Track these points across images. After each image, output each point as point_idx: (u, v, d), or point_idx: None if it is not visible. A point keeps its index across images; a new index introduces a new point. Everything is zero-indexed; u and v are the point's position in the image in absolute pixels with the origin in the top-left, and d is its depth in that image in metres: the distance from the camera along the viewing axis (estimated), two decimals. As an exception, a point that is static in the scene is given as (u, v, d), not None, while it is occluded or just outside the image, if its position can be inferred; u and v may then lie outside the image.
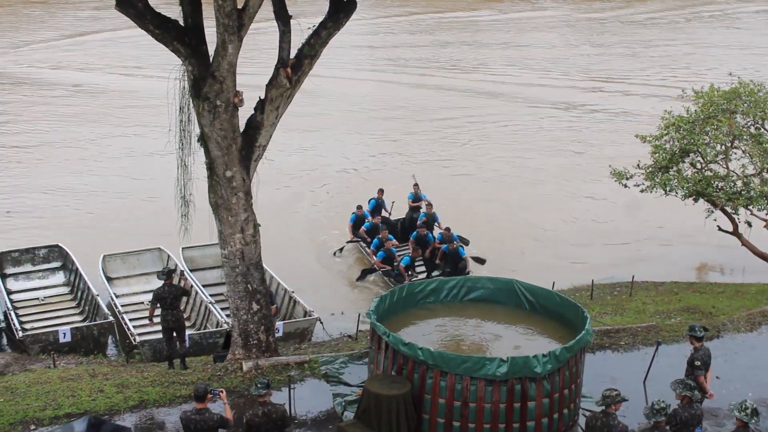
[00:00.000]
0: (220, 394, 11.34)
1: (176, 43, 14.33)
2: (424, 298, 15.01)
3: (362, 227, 23.78)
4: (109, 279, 21.09)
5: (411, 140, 35.21)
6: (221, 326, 18.18)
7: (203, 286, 20.40)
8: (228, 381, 14.49)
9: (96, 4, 60.32)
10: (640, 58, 50.75)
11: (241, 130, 15.00)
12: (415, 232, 22.67)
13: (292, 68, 14.81)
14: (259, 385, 11.00)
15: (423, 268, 22.43)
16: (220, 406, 11.45)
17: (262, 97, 14.97)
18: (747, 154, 21.33)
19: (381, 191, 24.98)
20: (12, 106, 39.97)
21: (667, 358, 15.05)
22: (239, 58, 14.47)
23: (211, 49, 14.51)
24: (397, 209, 25.53)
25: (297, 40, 14.99)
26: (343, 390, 14.39)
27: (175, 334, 15.77)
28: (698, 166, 21.56)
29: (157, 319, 15.94)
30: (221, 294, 19.67)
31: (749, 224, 21.14)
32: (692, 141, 20.99)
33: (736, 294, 20.37)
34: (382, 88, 43.78)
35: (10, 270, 21.67)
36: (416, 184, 25.13)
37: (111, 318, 18.69)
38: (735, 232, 21.83)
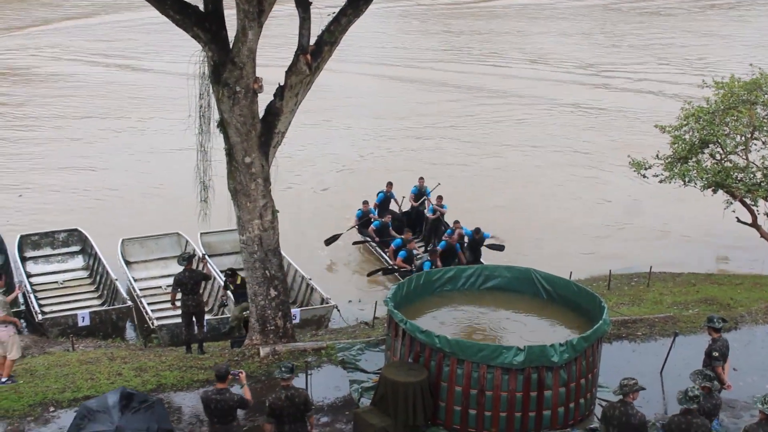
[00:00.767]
0: (240, 375, 11.43)
1: (196, 29, 14.35)
2: (441, 286, 15.02)
3: (371, 226, 23.05)
4: (127, 263, 21.23)
5: (424, 131, 35.09)
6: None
7: (221, 271, 20.47)
8: (245, 366, 14.54)
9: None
10: (655, 49, 50.40)
11: (261, 116, 15.03)
12: (443, 242, 21.38)
13: (312, 55, 14.80)
14: (283, 369, 11.08)
15: None
16: (237, 391, 11.50)
17: (282, 83, 14.98)
18: (767, 146, 21.20)
19: (390, 184, 24.24)
20: (29, 94, 40.19)
21: (685, 349, 15.01)
22: (258, 44, 14.49)
23: (231, 34, 14.54)
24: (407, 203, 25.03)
25: (317, 27, 14.99)
26: (359, 376, 14.44)
27: (194, 319, 15.89)
28: (718, 156, 21.44)
29: (177, 303, 16.05)
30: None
31: (769, 215, 21.05)
32: (712, 132, 20.87)
33: (755, 286, 20.27)
34: (391, 81, 43.63)
35: (29, 253, 21.83)
36: (421, 178, 24.43)
37: (129, 302, 18.82)
38: (754, 224, 21.72)
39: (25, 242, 21.91)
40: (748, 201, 21.04)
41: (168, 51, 45.60)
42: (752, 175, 20.77)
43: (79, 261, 22.00)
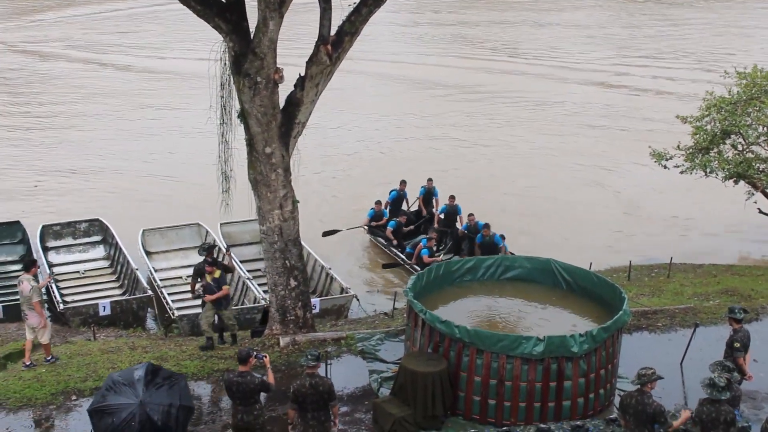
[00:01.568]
0: (264, 359, 11.52)
1: (217, 19, 14.40)
2: (461, 277, 15.03)
3: (388, 227, 22.51)
4: (148, 253, 21.32)
5: (441, 120, 35.08)
6: (258, 302, 18.32)
7: (241, 261, 20.54)
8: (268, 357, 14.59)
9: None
10: (674, 39, 50.10)
11: (281, 107, 15.06)
12: (480, 235, 20.89)
13: (333, 45, 14.80)
14: (309, 357, 11.17)
15: None
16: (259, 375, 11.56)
17: (302, 74, 15.00)
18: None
19: (404, 183, 23.78)
20: (52, 84, 40.46)
21: (705, 340, 14.98)
22: (279, 34, 14.51)
23: (252, 25, 14.57)
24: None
25: (338, 17, 14.99)
26: (379, 366, 14.48)
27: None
28: (739, 147, 21.30)
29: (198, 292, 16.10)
30: (258, 270, 19.86)
31: (790, 206, 20.92)
32: (734, 122, 20.72)
33: (776, 277, 20.16)
34: (408, 68, 43.61)
35: (51, 243, 21.98)
36: (430, 179, 23.88)
37: (150, 292, 18.91)
38: (776, 215, 21.60)
39: (47, 232, 22.06)
40: (769, 192, 20.91)
41: (188, 41, 45.76)
42: (774, 166, 20.63)
43: (100, 251, 22.14)
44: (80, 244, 22.23)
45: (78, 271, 21.34)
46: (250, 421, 11.22)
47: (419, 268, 19.06)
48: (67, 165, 29.62)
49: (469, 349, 12.41)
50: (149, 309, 19.07)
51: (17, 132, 33.38)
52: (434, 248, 21.14)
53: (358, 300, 19.13)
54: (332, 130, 32.70)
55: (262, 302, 18.06)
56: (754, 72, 21.50)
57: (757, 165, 20.66)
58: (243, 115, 14.98)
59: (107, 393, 11.50)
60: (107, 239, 22.15)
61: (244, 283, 19.54)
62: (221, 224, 21.67)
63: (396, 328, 15.92)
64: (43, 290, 18.91)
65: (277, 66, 14.65)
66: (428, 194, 23.81)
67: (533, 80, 41.72)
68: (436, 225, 22.86)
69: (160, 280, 20.07)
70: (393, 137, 32.94)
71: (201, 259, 16.13)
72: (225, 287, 15.38)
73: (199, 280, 15.58)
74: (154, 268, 20.64)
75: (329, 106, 29.22)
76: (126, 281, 20.42)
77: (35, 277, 14.77)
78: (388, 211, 23.44)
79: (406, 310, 14.05)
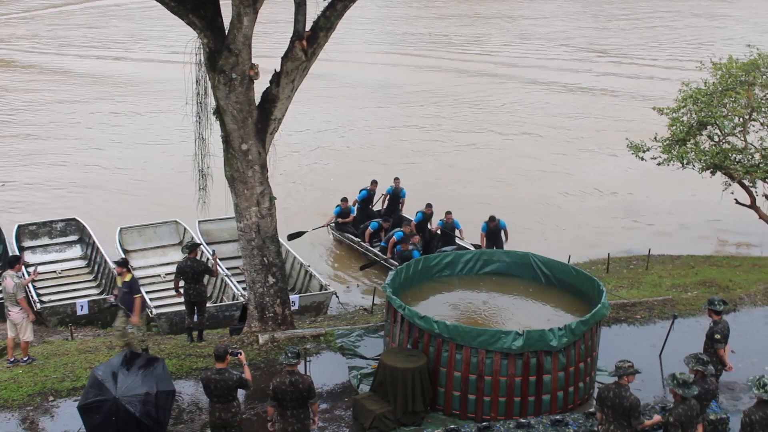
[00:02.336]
0: (239, 356, 11.46)
1: (191, 16, 14.28)
2: (439, 272, 15.03)
3: (369, 229, 22.10)
4: (125, 251, 21.17)
5: (415, 120, 35.06)
6: (237, 299, 18.24)
7: (219, 259, 20.40)
8: (244, 353, 14.51)
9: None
10: (648, 31, 50.27)
11: (257, 103, 14.98)
12: (484, 224, 20.59)
13: (308, 41, 14.74)
14: (290, 354, 11.10)
15: None
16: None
17: (278, 70, 14.92)
18: (765, 127, 21.15)
19: (374, 183, 23.61)
20: (16, 82, 40.13)
21: (684, 331, 15.04)
22: (254, 30, 14.42)
23: (227, 21, 14.47)
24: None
25: (312, 12, 14.92)
26: (358, 363, 14.43)
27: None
28: (716, 138, 21.38)
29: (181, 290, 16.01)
30: (237, 267, 19.77)
31: (767, 197, 20.98)
32: (710, 113, 20.81)
33: (753, 267, 20.27)
34: (381, 68, 43.56)
35: (27, 243, 21.81)
36: (397, 178, 23.37)
37: (127, 291, 18.75)
38: (753, 206, 21.69)
39: (23, 231, 21.89)
40: (746, 182, 21.00)
41: (160, 38, 45.52)
42: (750, 157, 20.72)
43: (77, 250, 21.99)
44: (57, 244, 22.08)
45: (55, 271, 21.18)
46: (228, 419, 11.17)
47: (397, 263, 19.01)
48: (42, 165, 29.38)
49: (449, 344, 12.39)
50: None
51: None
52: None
53: (337, 296, 19.08)
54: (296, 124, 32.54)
55: (241, 299, 17.98)
56: (730, 63, 21.59)
57: (734, 156, 20.75)
58: (219, 112, 14.89)
59: (90, 389, 11.64)
60: (84, 238, 22.00)
61: (222, 280, 19.44)
62: (199, 222, 21.57)
63: (375, 324, 15.90)
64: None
65: (252, 62, 14.57)
66: (395, 195, 23.37)
67: (504, 77, 41.76)
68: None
69: (138, 278, 19.90)
70: (361, 134, 32.88)
71: (181, 257, 16.03)
72: (137, 296, 14.40)
73: (180, 277, 15.51)
74: (132, 266, 20.48)
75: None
76: (103, 280, 20.29)
77: (19, 274, 14.66)
78: (356, 209, 23.25)
79: (385, 306, 14.01)
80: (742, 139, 21.24)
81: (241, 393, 11.58)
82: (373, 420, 12.23)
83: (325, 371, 14.15)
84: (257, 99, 15.02)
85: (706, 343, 12.58)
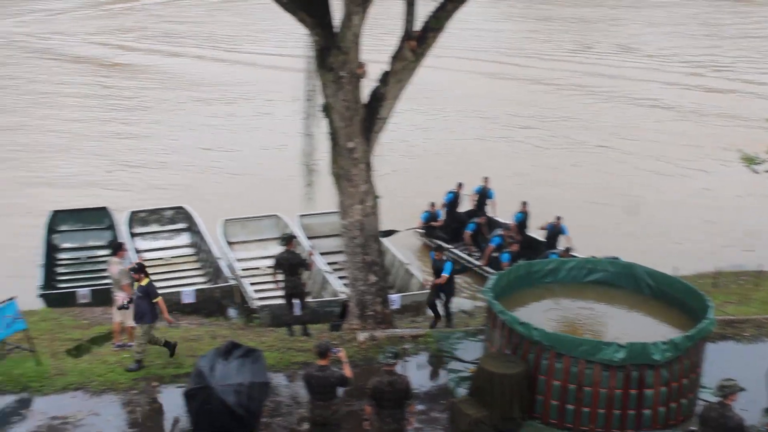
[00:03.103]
0: (339, 353, 11.52)
1: (302, 13, 14.45)
2: (542, 278, 14.83)
3: (467, 230, 22.09)
4: (228, 243, 21.56)
5: (508, 129, 34.70)
6: (337, 296, 18.35)
7: (320, 253, 20.59)
8: (344, 351, 14.63)
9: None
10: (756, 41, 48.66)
11: (364, 102, 15.06)
12: (550, 225, 20.79)
13: (417, 41, 14.75)
14: (388, 354, 11.15)
15: None
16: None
17: (387, 69, 14.98)
18: None
19: (460, 185, 23.38)
20: (134, 80, 41.28)
21: (794, 352, 14.50)
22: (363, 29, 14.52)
23: (336, 19, 14.60)
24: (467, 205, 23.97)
25: (422, 13, 14.94)
26: (456, 366, 14.38)
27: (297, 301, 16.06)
28: (838, 151, 20.56)
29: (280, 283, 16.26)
30: (337, 262, 19.92)
31: None
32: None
33: None
34: (485, 75, 43.23)
35: (138, 230, 22.41)
36: (486, 178, 23.23)
37: (233, 281, 19.10)
38: None
39: (134, 218, 22.51)
40: None
41: (271, 36, 46.20)
42: None
43: (184, 238, 22.50)
44: (166, 231, 22.63)
45: (162, 258, 21.70)
46: (328, 416, 11.24)
47: (491, 270, 18.84)
48: (153, 154, 30.22)
49: (549, 352, 12.24)
50: (231, 298, 19.24)
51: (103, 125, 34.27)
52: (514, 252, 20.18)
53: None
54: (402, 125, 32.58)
55: (341, 296, 18.09)
56: None
57: None
58: (326, 110, 15.04)
59: (193, 378, 12.04)
60: (191, 227, 22.49)
61: (323, 276, 19.60)
62: (301, 216, 21.81)
63: (475, 328, 15.80)
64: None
65: (361, 61, 14.67)
66: (483, 194, 23.24)
67: (615, 83, 40.97)
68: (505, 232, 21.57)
69: (241, 270, 20.27)
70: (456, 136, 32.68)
71: (281, 249, 16.25)
72: (158, 300, 14.32)
73: (278, 270, 15.75)
74: (234, 258, 20.86)
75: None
76: (209, 270, 20.69)
77: (123, 260, 15.11)
78: (443, 212, 23.16)
79: (486, 310, 13.92)
80: None
81: (340, 390, 11.65)
82: (470, 424, 12.15)
83: (423, 372, 14.15)
84: (364, 98, 15.11)
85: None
